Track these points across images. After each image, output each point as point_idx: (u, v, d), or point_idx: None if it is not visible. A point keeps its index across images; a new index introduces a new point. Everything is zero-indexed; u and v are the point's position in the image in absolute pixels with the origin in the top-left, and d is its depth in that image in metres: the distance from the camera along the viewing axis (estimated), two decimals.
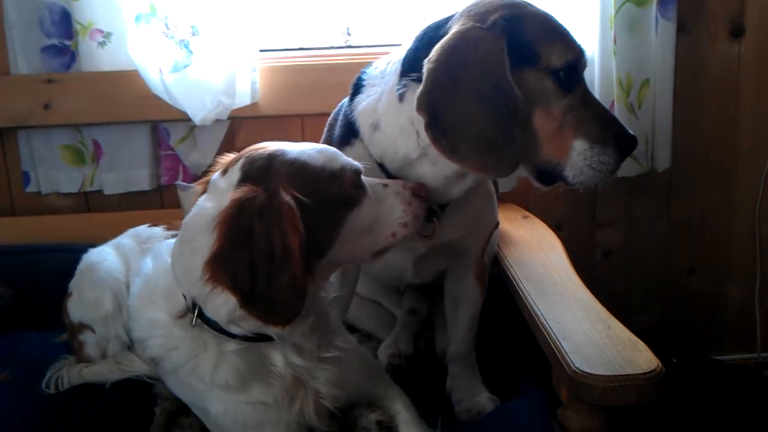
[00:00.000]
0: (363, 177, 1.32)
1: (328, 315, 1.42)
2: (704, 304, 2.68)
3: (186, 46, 2.22)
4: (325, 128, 1.70)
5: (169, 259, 1.33)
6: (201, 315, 1.28)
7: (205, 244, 1.18)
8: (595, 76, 2.29)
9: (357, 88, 1.56)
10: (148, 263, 1.49)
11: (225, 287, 1.16)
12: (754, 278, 2.63)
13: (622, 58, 2.24)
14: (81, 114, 2.30)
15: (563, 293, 1.65)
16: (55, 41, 2.27)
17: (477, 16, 1.34)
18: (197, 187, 1.35)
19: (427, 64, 1.32)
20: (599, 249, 2.61)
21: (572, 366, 1.35)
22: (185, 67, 2.22)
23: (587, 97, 1.38)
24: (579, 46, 1.37)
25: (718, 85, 2.49)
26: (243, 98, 2.28)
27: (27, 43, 2.27)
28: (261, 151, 1.30)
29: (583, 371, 1.33)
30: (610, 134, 1.36)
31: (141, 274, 1.51)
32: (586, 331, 1.48)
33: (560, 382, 1.46)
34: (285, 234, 1.14)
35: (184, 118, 2.26)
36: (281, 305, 1.17)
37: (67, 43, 2.27)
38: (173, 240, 1.38)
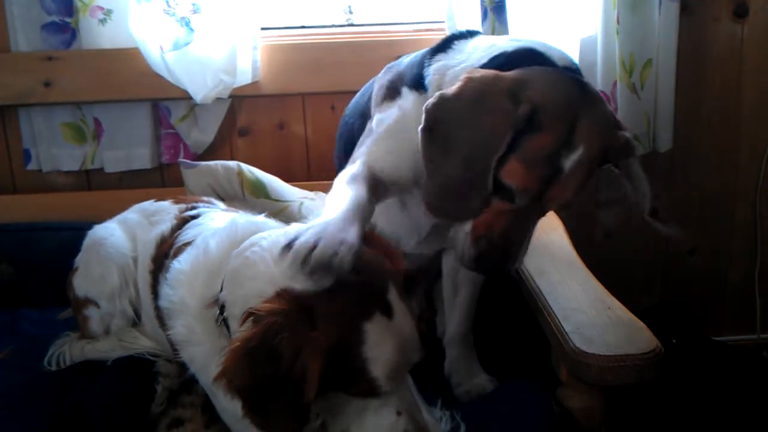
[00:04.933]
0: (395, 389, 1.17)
1: None
2: (704, 285, 2.69)
3: (187, 24, 2.21)
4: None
5: (227, 244, 1.32)
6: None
7: (264, 278, 1.17)
8: (597, 57, 2.28)
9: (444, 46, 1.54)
10: (207, 238, 1.43)
11: (237, 395, 1.12)
12: (754, 259, 2.64)
13: (624, 38, 2.23)
14: (82, 92, 2.29)
15: (564, 273, 1.65)
16: (55, 18, 2.25)
17: (516, 85, 1.31)
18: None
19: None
20: (600, 229, 2.61)
21: (572, 346, 1.35)
22: (186, 44, 2.21)
23: None
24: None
25: (721, 66, 2.48)
26: (244, 76, 2.28)
27: (27, 20, 2.26)
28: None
29: (583, 351, 1.33)
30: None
31: (200, 242, 1.45)
32: (586, 311, 1.48)
33: (560, 361, 1.46)
34: (313, 361, 1.08)
35: (184, 97, 2.26)
36: (281, 423, 1.13)
37: (68, 20, 2.26)
38: (243, 220, 1.40)
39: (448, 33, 2.22)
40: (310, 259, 1.14)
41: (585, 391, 1.44)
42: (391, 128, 1.53)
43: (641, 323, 1.42)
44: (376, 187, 1.48)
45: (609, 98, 2.29)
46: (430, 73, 1.49)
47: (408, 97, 1.51)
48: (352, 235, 1.22)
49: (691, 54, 2.42)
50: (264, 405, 1.11)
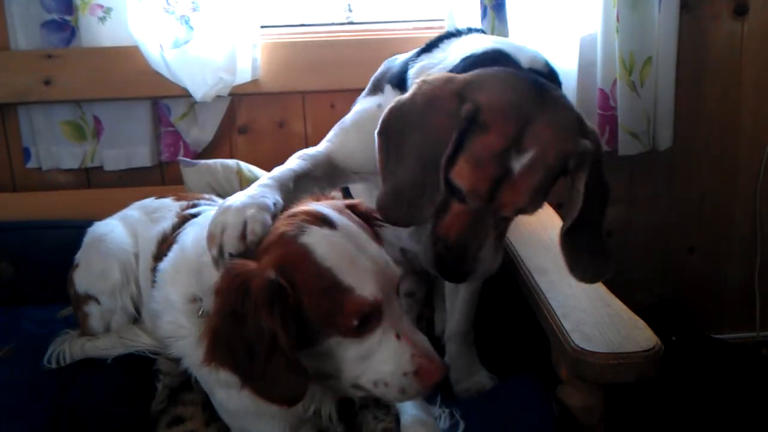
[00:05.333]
0: (389, 309, 1.18)
1: None
2: (704, 284, 2.69)
3: (186, 22, 2.21)
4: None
5: (201, 239, 1.30)
6: None
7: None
8: (597, 55, 2.28)
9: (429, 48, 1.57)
10: (188, 232, 1.46)
11: (227, 369, 1.14)
12: (753, 258, 2.64)
13: (624, 36, 2.23)
14: (81, 90, 2.29)
15: (564, 271, 1.64)
16: (55, 16, 2.25)
17: (464, 86, 1.31)
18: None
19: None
20: None
21: (572, 343, 1.35)
22: (186, 43, 2.21)
23: None
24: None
25: (721, 64, 2.48)
26: (244, 75, 2.28)
27: (27, 18, 2.26)
28: (296, 221, 1.19)
29: (583, 349, 1.34)
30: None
31: (179, 240, 1.48)
32: (586, 309, 1.48)
33: (560, 359, 1.47)
34: (271, 320, 1.09)
35: (184, 95, 2.26)
36: (282, 388, 1.15)
37: (67, 18, 2.26)
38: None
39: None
40: (223, 244, 1.19)
41: (585, 388, 1.44)
42: (363, 120, 1.57)
43: (641, 321, 1.43)
44: (331, 170, 1.54)
45: (609, 96, 2.29)
46: (413, 73, 1.50)
47: (388, 93, 1.54)
48: (263, 203, 1.25)
49: (691, 52, 2.42)
50: (256, 371, 1.12)
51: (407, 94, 1.34)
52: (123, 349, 1.63)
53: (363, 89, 1.69)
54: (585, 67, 2.30)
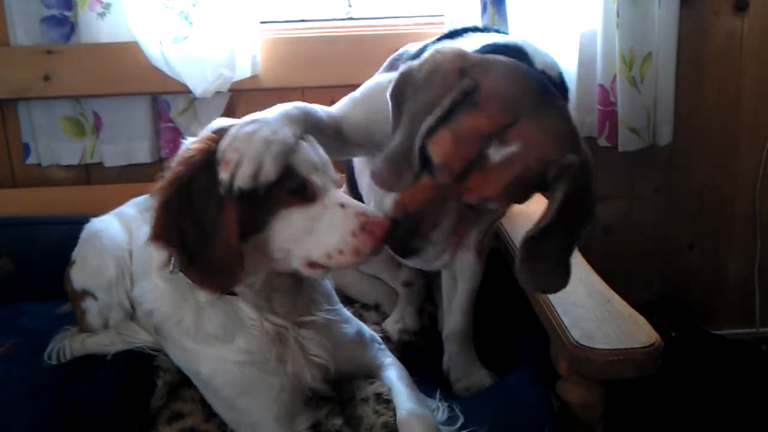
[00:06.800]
0: (330, 189, 1.28)
1: (307, 285, 1.42)
2: (704, 280, 2.69)
3: (186, 18, 2.21)
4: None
5: None
6: None
7: None
8: (597, 50, 2.28)
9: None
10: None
11: (173, 246, 1.21)
12: (753, 254, 2.64)
13: (624, 31, 2.22)
14: (81, 85, 2.30)
15: None
16: (54, 12, 2.25)
17: (470, 64, 1.31)
18: None
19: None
20: (599, 224, 2.61)
21: (572, 340, 1.35)
22: (185, 38, 2.21)
23: None
24: None
25: (721, 60, 2.47)
26: (243, 70, 2.28)
27: (26, 14, 2.26)
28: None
29: (583, 345, 1.34)
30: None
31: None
32: (585, 305, 1.48)
33: (559, 355, 1.47)
34: (219, 202, 1.18)
35: (184, 91, 2.25)
36: (217, 272, 1.21)
37: (67, 14, 2.25)
38: None
39: (447, 26, 2.24)
40: (236, 177, 1.19)
41: (584, 385, 1.44)
42: (373, 93, 1.57)
43: (641, 317, 1.43)
44: (337, 136, 1.54)
45: (609, 92, 2.29)
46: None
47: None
48: (286, 143, 1.25)
49: (691, 48, 2.42)
50: (199, 250, 1.19)
51: (418, 60, 1.34)
52: (123, 345, 1.63)
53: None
54: (585, 63, 2.30)
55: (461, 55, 1.32)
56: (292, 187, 1.23)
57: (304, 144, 1.29)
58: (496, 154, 1.24)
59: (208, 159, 1.22)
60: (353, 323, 1.56)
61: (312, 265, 1.26)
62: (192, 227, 1.19)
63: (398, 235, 1.31)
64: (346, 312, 1.57)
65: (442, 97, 1.26)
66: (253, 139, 1.23)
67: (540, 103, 1.27)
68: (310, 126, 1.40)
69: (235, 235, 1.19)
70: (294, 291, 1.38)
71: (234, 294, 1.31)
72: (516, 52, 1.39)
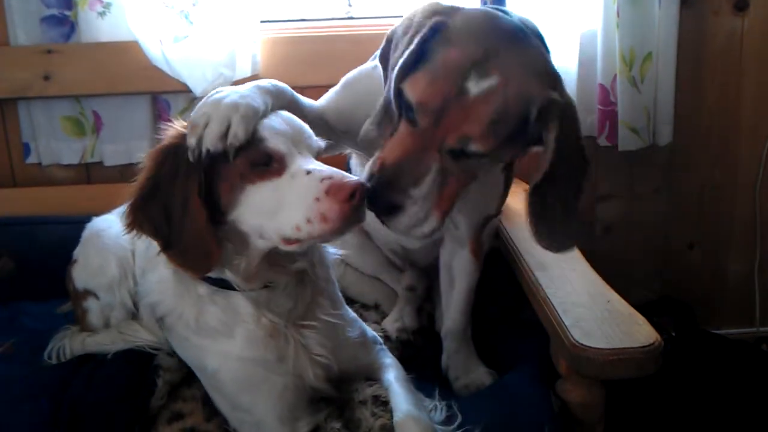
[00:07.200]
0: (297, 158, 1.24)
1: (311, 287, 1.42)
2: (704, 279, 2.69)
3: (186, 17, 2.21)
4: None
5: None
6: None
7: None
8: (597, 50, 2.28)
9: None
10: None
11: (146, 231, 1.23)
12: (753, 253, 2.64)
13: (624, 31, 2.22)
14: (81, 85, 2.30)
15: (563, 267, 1.65)
16: (54, 11, 2.25)
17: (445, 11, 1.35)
18: None
19: None
20: (599, 223, 2.61)
21: (572, 339, 1.35)
22: (185, 38, 2.21)
23: None
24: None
25: (721, 60, 2.47)
26: (243, 70, 2.27)
27: (26, 13, 2.26)
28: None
29: (583, 344, 1.33)
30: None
31: None
32: (585, 304, 1.48)
33: (559, 355, 1.47)
34: (185, 185, 1.20)
35: (184, 90, 2.25)
36: (193, 253, 1.22)
37: (67, 13, 2.25)
38: None
39: None
40: (203, 138, 1.20)
41: (584, 384, 1.44)
42: (355, 80, 1.62)
43: (641, 317, 1.43)
44: (321, 126, 1.54)
45: (609, 92, 2.29)
46: None
47: None
48: (253, 108, 1.25)
49: (691, 47, 2.42)
50: (172, 235, 1.22)
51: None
52: (123, 345, 1.64)
53: None
54: (585, 63, 2.30)
55: (433, 4, 1.35)
56: (255, 158, 1.21)
57: (272, 115, 1.28)
58: (475, 86, 1.23)
59: (171, 147, 1.24)
60: (357, 325, 1.56)
61: (287, 240, 1.23)
62: (161, 212, 1.21)
63: (378, 192, 1.28)
64: (352, 314, 1.57)
65: (412, 35, 1.29)
66: (221, 103, 1.23)
67: (515, 39, 1.28)
68: (285, 103, 1.40)
69: (203, 216, 1.19)
70: (295, 291, 1.38)
71: (232, 288, 1.31)
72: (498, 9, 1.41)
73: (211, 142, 1.19)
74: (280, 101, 1.37)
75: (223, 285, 1.32)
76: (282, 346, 1.35)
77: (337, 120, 1.58)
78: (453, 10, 1.32)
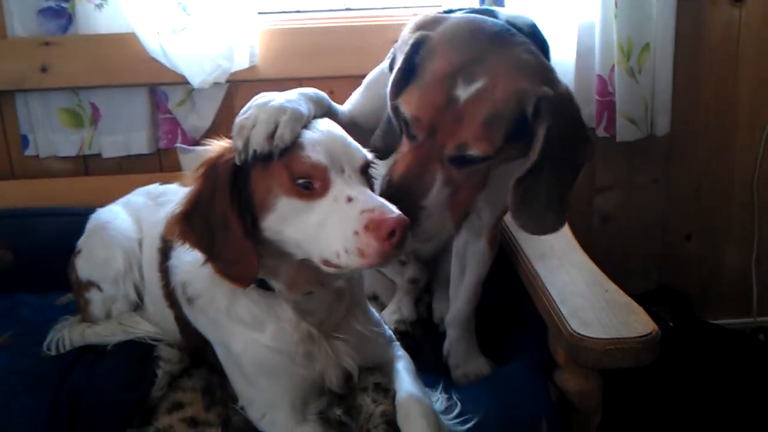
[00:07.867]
0: (340, 179, 1.20)
1: (347, 299, 1.41)
2: (701, 270, 2.70)
3: (184, 9, 2.20)
4: None
5: None
6: None
7: None
8: (595, 41, 2.28)
9: None
10: None
11: (192, 243, 1.24)
12: (751, 244, 2.64)
13: (622, 22, 2.22)
14: (78, 77, 2.29)
15: (561, 258, 1.66)
16: (51, 3, 2.25)
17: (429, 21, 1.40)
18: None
19: None
20: (597, 214, 2.62)
21: (570, 329, 1.36)
22: (183, 29, 2.21)
23: None
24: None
25: (719, 51, 2.47)
26: (241, 61, 2.27)
27: (23, 5, 2.25)
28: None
29: (581, 334, 1.34)
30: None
31: None
32: (583, 294, 1.49)
33: (557, 344, 1.47)
34: (222, 199, 1.20)
35: (182, 82, 2.25)
36: (234, 266, 1.22)
37: (64, 5, 2.25)
38: None
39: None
40: (251, 138, 1.20)
41: (582, 374, 1.45)
42: (374, 80, 1.62)
43: (638, 307, 1.43)
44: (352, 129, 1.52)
45: (607, 82, 2.29)
46: None
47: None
48: (299, 112, 1.25)
49: (689, 38, 2.42)
50: (215, 249, 1.23)
51: None
52: (123, 336, 1.63)
53: (361, 75, 1.69)
54: (583, 54, 2.30)
55: (417, 19, 1.39)
56: (296, 170, 1.19)
57: (317, 127, 1.26)
58: (464, 92, 1.25)
59: (212, 161, 1.25)
60: (380, 326, 1.54)
61: (326, 262, 1.19)
62: (202, 225, 1.22)
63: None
64: (375, 315, 1.55)
65: (401, 53, 1.32)
66: (268, 105, 1.24)
67: (499, 40, 1.30)
68: (326, 110, 1.41)
69: (240, 226, 1.19)
70: (331, 303, 1.37)
71: (270, 289, 1.31)
72: (484, 11, 1.43)
73: (258, 142, 1.19)
74: (321, 109, 1.38)
75: (263, 285, 1.32)
76: (312, 350, 1.35)
77: (365, 121, 1.59)
78: (436, 22, 1.35)
